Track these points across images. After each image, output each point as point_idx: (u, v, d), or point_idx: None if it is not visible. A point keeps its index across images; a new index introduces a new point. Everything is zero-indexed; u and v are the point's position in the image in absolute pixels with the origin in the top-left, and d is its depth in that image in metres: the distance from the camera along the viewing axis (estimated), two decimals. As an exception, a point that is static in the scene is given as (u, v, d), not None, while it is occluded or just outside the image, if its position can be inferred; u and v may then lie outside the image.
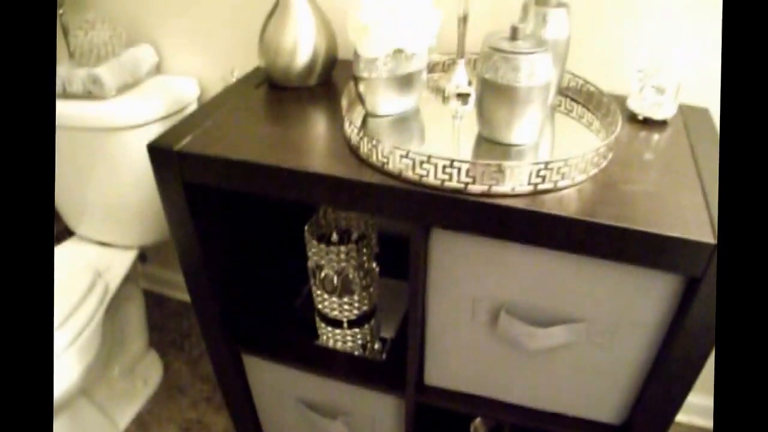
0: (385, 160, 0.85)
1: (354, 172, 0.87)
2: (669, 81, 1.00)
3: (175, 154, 0.96)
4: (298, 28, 1.09)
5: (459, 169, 0.80)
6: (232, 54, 1.40)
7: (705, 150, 0.95)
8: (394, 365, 1.18)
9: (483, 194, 0.81)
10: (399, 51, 0.91)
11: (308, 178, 0.88)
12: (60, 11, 1.43)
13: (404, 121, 0.99)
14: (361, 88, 0.95)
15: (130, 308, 1.70)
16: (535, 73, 0.83)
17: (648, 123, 1.03)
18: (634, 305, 0.86)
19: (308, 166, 0.88)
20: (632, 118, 1.04)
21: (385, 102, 0.96)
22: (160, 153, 0.98)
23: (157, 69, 1.49)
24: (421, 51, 0.94)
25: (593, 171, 0.86)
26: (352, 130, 0.91)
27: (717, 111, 1.10)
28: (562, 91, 1.08)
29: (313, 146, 0.94)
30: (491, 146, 0.91)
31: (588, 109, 1.04)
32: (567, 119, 1.04)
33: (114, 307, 1.57)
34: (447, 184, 0.81)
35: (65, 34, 1.39)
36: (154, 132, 1.33)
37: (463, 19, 1.01)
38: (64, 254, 1.59)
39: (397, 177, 0.84)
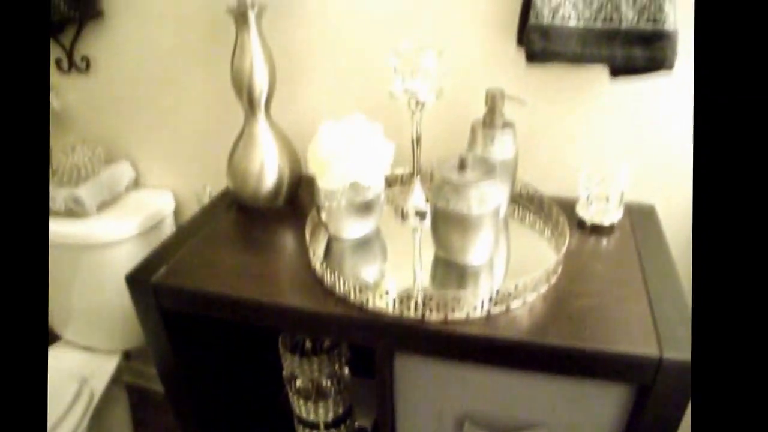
0: (347, 293, 0.91)
1: (319, 302, 0.92)
2: (613, 189, 1.07)
3: (152, 286, 1.01)
4: (263, 154, 1.16)
5: (416, 302, 0.86)
6: (205, 169, 1.47)
7: (651, 254, 1.02)
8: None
9: (440, 322, 0.86)
10: (356, 183, 0.97)
11: (274, 309, 0.94)
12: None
13: (367, 243, 1.06)
14: (324, 215, 1.02)
15: (115, 410, 1.72)
16: (484, 200, 0.90)
17: (596, 228, 1.10)
18: (591, 411, 0.91)
19: (274, 299, 0.94)
20: (581, 224, 1.11)
21: (347, 227, 1.03)
22: (137, 285, 1.03)
23: (135, 183, 1.56)
24: (378, 180, 1.00)
25: (544, 289, 0.92)
26: (316, 261, 0.97)
27: (663, 207, 1.17)
28: (515, 199, 1.14)
29: (280, 275, 1.00)
30: (448, 267, 0.97)
31: (540, 217, 1.11)
32: (521, 227, 1.11)
33: (100, 409, 1.59)
34: (406, 314, 0.87)
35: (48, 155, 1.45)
36: (133, 246, 1.40)
37: (417, 140, 1.08)
38: (51, 361, 1.62)
39: (359, 308, 0.90)
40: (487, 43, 1.15)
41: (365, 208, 1.01)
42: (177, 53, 1.36)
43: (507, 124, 1.03)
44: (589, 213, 1.10)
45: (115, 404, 1.72)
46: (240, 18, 1.08)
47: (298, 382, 1.19)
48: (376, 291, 0.89)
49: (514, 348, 0.84)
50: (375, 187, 1.00)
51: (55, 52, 1.45)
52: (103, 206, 1.46)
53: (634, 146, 1.16)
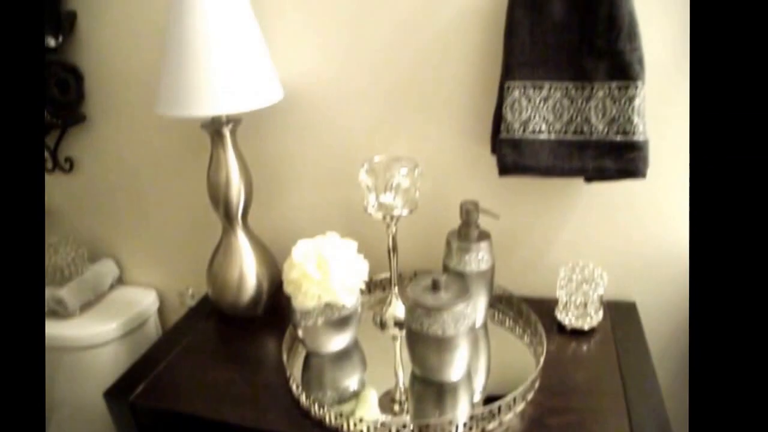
0: (322, 417, 0.90)
1: (295, 426, 0.92)
2: (592, 294, 1.08)
3: (129, 405, 1.01)
4: (242, 265, 1.17)
5: (389, 429, 0.86)
6: (188, 269, 1.47)
7: (631, 359, 1.01)
8: None
9: (416, 447, 0.86)
10: (330, 303, 0.98)
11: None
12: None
13: (345, 356, 1.06)
14: (300, 333, 1.02)
15: None
16: (459, 321, 0.90)
17: (576, 332, 1.09)
18: None
19: (253, 423, 0.93)
20: (561, 327, 1.10)
21: (325, 343, 1.02)
22: (115, 402, 1.03)
23: (120, 280, 1.56)
24: (352, 299, 1.00)
25: (521, 407, 0.92)
26: (293, 383, 0.96)
27: (643, 303, 1.17)
28: (493, 304, 1.14)
29: (260, 395, 1.00)
30: (425, 384, 0.96)
31: (518, 323, 1.11)
32: (500, 331, 1.11)
33: None
34: (381, 441, 0.87)
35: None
36: (116, 347, 1.39)
37: (393, 251, 1.09)
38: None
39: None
40: (463, 151, 1.16)
41: (342, 323, 1.01)
42: (158, 158, 1.38)
43: (483, 236, 1.04)
44: (568, 317, 1.10)
45: None
46: (215, 134, 1.10)
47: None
48: (351, 418, 0.88)
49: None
50: (351, 304, 1.01)
51: (39, 155, 1.47)
52: (86, 306, 1.45)
53: (612, 244, 1.17)
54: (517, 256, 1.22)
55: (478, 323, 1.09)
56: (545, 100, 1.00)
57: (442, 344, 0.91)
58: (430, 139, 1.17)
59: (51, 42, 1.26)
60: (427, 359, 0.94)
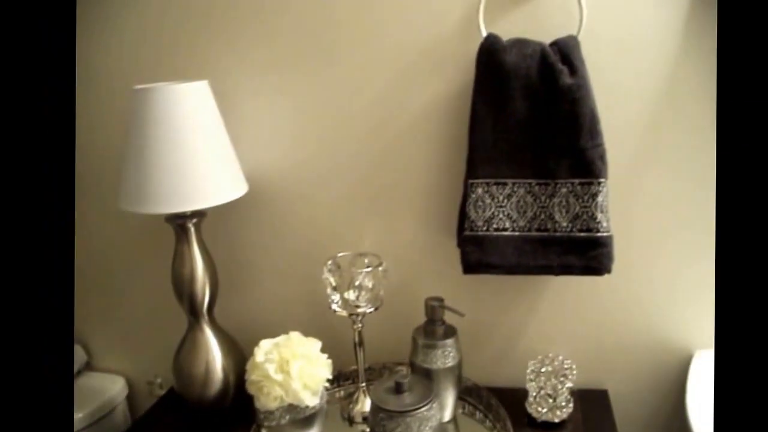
0: None
1: None
2: (561, 387, 1.06)
3: None
4: (207, 359, 1.13)
5: None
6: (157, 357, 1.43)
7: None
8: None
9: None
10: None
11: None
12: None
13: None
14: (265, 432, 1.00)
15: None
16: (422, 423, 0.88)
17: (547, 424, 1.07)
18: None
19: None
20: (531, 420, 1.09)
21: (289, 442, 1.00)
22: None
23: (88, 366, 1.52)
24: (315, 400, 0.98)
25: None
26: None
27: (614, 391, 1.16)
28: (463, 397, 1.13)
29: None
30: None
31: (488, 417, 1.09)
32: (470, 423, 1.09)
33: None
34: None
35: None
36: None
37: (359, 345, 1.07)
38: None
39: None
40: (431, 245, 1.16)
41: (306, 422, 1.00)
42: (123, 246, 1.36)
43: (449, 332, 1.03)
44: (538, 410, 1.08)
45: None
46: (179, 229, 1.09)
47: None
48: None
49: None
50: (314, 404, 0.99)
51: None
52: (52, 394, 1.41)
53: (582, 332, 1.16)
54: (487, 348, 1.20)
55: (447, 418, 1.07)
56: (509, 197, 1.00)
57: (407, 448, 0.89)
58: (397, 232, 1.17)
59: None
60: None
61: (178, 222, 1.08)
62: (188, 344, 1.15)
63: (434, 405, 0.90)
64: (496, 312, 1.18)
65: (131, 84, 1.03)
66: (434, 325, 1.01)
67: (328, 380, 1.02)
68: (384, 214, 1.17)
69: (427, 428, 0.88)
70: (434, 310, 1.00)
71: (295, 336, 0.99)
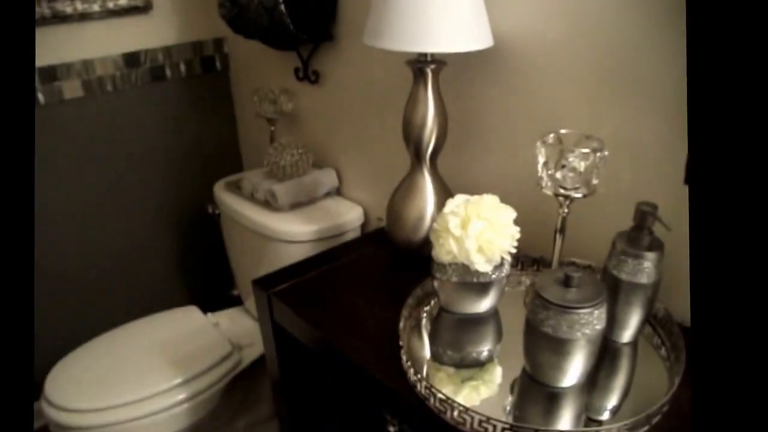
0: (427, 398, 0.87)
1: (387, 376, 0.92)
2: None
3: (267, 297, 1.09)
4: (422, 204, 1.16)
5: (494, 426, 0.80)
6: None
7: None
8: None
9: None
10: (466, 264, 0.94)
11: (354, 372, 0.97)
12: (272, 128, 1.69)
13: (479, 321, 1.01)
14: (436, 284, 1.00)
15: (261, 379, 1.84)
16: (574, 325, 0.81)
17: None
18: None
19: (352, 352, 0.96)
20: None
21: (457, 302, 0.99)
22: (258, 290, 1.13)
23: (338, 191, 1.66)
24: (489, 265, 0.94)
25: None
26: (408, 367, 0.91)
27: None
28: (653, 324, 1.01)
29: (372, 332, 1.02)
30: (533, 382, 0.89)
31: (669, 357, 0.96)
32: (652, 356, 0.98)
33: (248, 376, 1.74)
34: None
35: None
36: (312, 249, 1.49)
37: (560, 232, 1.00)
38: (224, 320, 1.83)
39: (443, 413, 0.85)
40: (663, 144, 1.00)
41: (480, 288, 0.97)
42: (379, 85, 1.43)
43: (654, 245, 0.90)
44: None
45: (262, 375, 1.84)
46: (417, 72, 1.09)
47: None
48: (456, 408, 0.82)
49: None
50: (491, 271, 0.95)
51: (294, 63, 1.62)
52: (296, 206, 1.58)
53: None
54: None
55: (625, 339, 0.96)
56: None
57: (552, 345, 0.83)
58: (634, 123, 1.02)
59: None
60: (543, 360, 0.86)
61: (418, 65, 1.08)
62: (405, 186, 1.19)
63: (597, 312, 0.81)
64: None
65: None
66: (640, 232, 0.90)
67: (515, 257, 0.97)
68: (627, 101, 1.01)
69: (579, 332, 0.81)
70: (644, 215, 0.88)
71: (488, 198, 0.95)
